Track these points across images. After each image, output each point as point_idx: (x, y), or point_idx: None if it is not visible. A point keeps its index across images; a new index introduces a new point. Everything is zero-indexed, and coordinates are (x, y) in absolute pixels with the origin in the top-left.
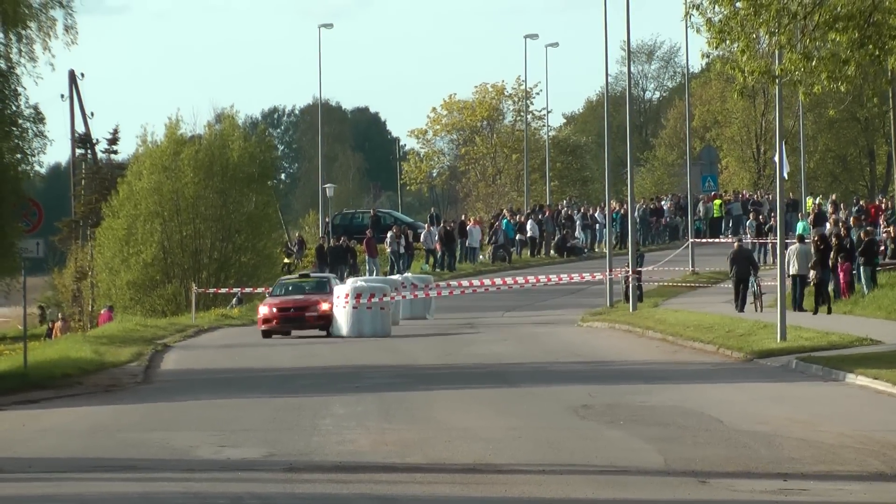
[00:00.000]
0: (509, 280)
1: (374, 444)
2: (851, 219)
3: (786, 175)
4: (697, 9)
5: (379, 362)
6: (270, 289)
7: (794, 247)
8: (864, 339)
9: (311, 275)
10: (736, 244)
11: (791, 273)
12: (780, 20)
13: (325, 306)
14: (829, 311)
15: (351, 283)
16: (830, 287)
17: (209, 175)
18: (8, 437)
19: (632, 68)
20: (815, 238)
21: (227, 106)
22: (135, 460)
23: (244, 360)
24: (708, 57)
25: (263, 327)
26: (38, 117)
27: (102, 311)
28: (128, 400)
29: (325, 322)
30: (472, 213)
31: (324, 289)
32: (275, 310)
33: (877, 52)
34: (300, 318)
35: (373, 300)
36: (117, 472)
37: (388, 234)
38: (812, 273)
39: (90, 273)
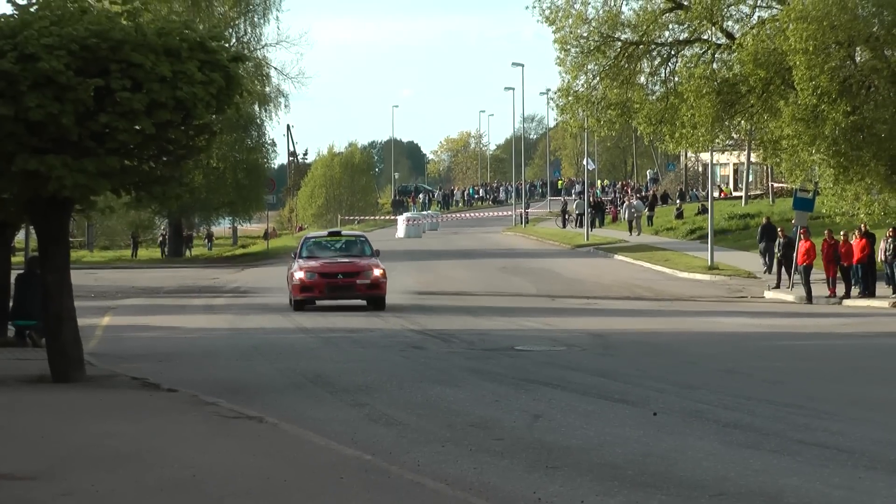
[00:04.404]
0: (473, 213)
1: (413, 282)
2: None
3: (591, 168)
4: (553, 101)
5: (414, 248)
6: (297, 249)
7: (577, 202)
8: (621, 240)
9: (343, 232)
10: (564, 199)
11: (578, 213)
12: (587, 106)
13: (377, 272)
14: (599, 227)
15: (406, 214)
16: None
17: (346, 171)
18: (258, 277)
19: (524, 125)
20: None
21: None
22: None
23: None
24: (557, 119)
25: (301, 296)
26: (273, 144)
27: (297, 228)
28: None
29: (378, 292)
30: (459, 185)
31: (364, 249)
32: (317, 276)
33: (629, 119)
34: (350, 287)
35: (414, 221)
36: None
37: (420, 194)
38: (588, 212)
39: (294, 211)
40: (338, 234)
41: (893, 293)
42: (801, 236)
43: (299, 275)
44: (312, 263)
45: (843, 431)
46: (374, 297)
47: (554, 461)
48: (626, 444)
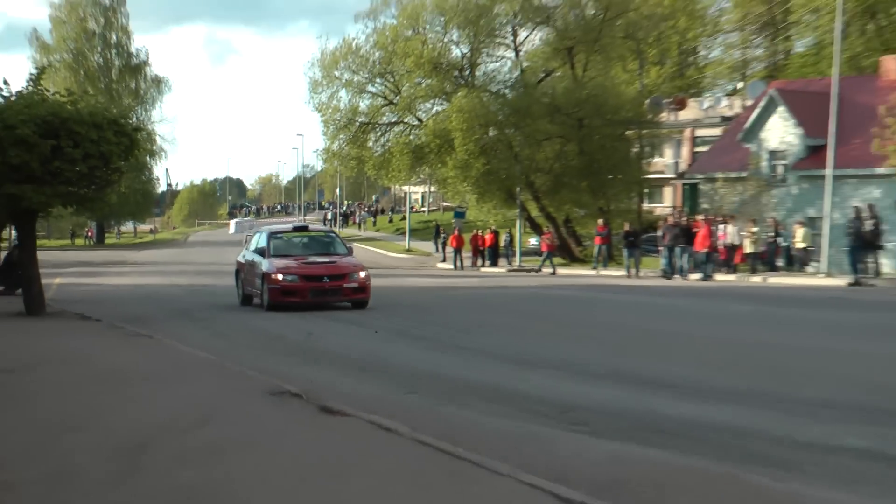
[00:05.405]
0: (274, 220)
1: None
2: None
3: (338, 195)
4: (320, 156)
5: (238, 239)
6: (252, 243)
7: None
8: (356, 235)
9: (310, 227)
10: (325, 212)
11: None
12: (339, 159)
13: (363, 274)
14: (345, 227)
15: (235, 220)
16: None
17: (200, 194)
18: (150, 255)
19: (304, 169)
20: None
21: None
22: None
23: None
24: (323, 166)
25: (280, 300)
26: (157, 179)
27: (172, 227)
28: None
29: (364, 295)
30: (266, 203)
31: (337, 247)
32: (299, 279)
33: (363, 167)
34: (336, 291)
35: (239, 224)
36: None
37: (243, 208)
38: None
39: (170, 217)
40: (304, 228)
41: (508, 264)
42: (455, 232)
43: (277, 276)
44: (289, 263)
45: (478, 340)
46: (360, 301)
47: (317, 359)
48: (360, 348)
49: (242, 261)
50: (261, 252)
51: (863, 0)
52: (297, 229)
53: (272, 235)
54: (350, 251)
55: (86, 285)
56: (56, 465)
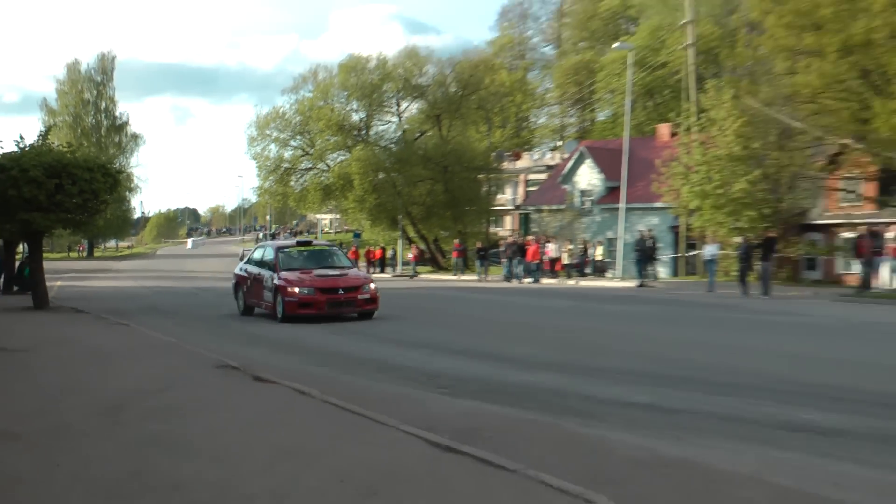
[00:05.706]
0: (221, 239)
1: (195, 266)
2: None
3: (268, 220)
4: (255, 192)
5: (195, 253)
6: (254, 257)
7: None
8: None
9: (314, 241)
10: (258, 234)
11: (263, 238)
12: (269, 195)
13: (373, 286)
14: None
15: (192, 238)
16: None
17: (165, 220)
18: (128, 265)
19: (243, 201)
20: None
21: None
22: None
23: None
24: (257, 199)
25: (298, 312)
26: (134, 208)
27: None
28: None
29: (373, 306)
30: (214, 226)
31: (342, 259)
32: (316, 291)
33: (287, 200)
34: (350, 302)
35: (195, 241)
36: None
37: (198, 229)
38: (269, 238)
39: (143, 237)
40: (308, 243)
41: (392, 271)
42: (353, 248)
43: (293, 289)
44: (302, 276)
45: (372, 326)
46: (370, 312)
47: (252, 342)
48: (284, 334)
49: (244, 274)
50: (268, 266)
51: (644, 85)
52: (300, 244)
53: (280, 250)
54: (354, 263)
55: (79, 287)
56: (54, 421)
